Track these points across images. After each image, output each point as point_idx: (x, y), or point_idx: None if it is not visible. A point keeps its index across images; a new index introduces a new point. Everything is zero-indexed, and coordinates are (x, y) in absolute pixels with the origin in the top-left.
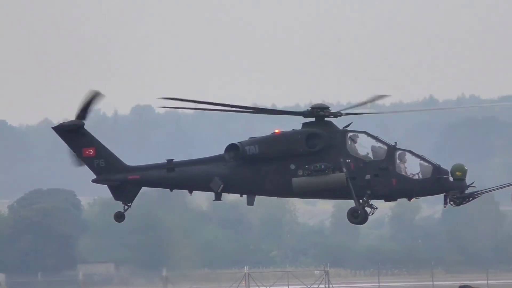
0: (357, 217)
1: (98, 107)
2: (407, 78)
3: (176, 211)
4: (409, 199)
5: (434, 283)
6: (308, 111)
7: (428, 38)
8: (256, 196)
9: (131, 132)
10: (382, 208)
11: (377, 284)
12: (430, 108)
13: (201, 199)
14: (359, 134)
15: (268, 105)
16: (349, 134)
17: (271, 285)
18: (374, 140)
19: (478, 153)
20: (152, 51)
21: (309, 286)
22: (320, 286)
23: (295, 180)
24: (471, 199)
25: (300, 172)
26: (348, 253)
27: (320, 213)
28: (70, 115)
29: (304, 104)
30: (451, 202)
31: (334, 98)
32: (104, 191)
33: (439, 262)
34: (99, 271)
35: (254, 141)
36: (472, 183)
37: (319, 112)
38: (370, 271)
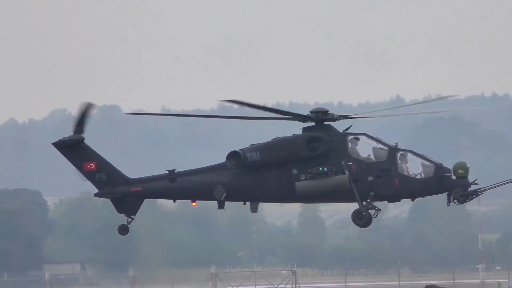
0: (362, 218)
1: (64, 106)
2: (374, 79)
3: (143, 211)
4: (413, 199)
5: (401, 282)
6: (307, 115)
7: (394, 39)
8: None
9: (97, 132)
10: (349, 208)
11: (344, 284)
12: (434, 112)
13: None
14: (360, 137)
15: (235, 105)
16: (350, 137)
17: (238, 285)
18: (375, 142)
19: (445, 153)
20: (120, 51)
21: (276, 286)
22: (287, 286)
23: (298, 184)
24: (474, 196)
25: (302, 176)
26: (315, 253)
27: (288, 213)
28: (36, 115)
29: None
30: (455, 201)
31: (301, 99)
32: (70, 191)
33: (406, 262)
34: (65, 271)
35: (255, 148)
36: (475, 181)
37: (318, 116)
38: (337, 271)
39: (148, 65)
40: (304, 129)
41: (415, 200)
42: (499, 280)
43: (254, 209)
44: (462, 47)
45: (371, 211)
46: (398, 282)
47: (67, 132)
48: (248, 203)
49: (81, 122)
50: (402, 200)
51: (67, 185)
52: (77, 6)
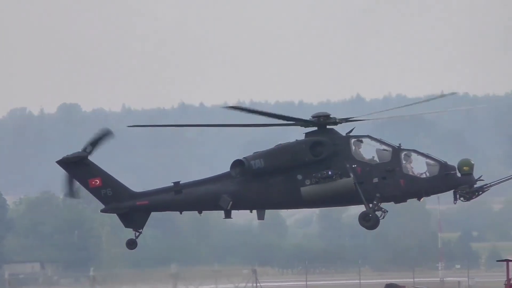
0: (369, 220)
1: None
2: (334, 78)
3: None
4: (419, 199)
5: (361, 281)
6: (309, 120)
7: (355, 38)
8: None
9: (57, 131)
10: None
11: (305, 283)
12: (436, 111)
13: None
14: (363, 139)
15: (196, 104)
16: (353, 140)
17: (199, 284)
18: (378, 143)
19: None
20: (79, 48)
21: (237, 284)
22: (248, 285)
23: (303, 189)
24: (480, 193)
25: (307, 181)
26: (276, 251)
27: (248, 212)
28: None
29: (232, 102)
30: (461, 198)
31: (262, 97)
32: (30, 190)
33: (366, 260)
34: (25, 270)
35: (259, 155)
36: (480, 177)
37: (320, 121)
38: (298, 269)
39: (108, 62)
40: (307, 134)
41: (421, 199)
42: (458, 278)
43: (261, 216)
44: (422, 46)
45: (378, 213)
46: (358, 281)
47: (27, 131)
48: (255, 211)
49: (94, 144)
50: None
51: (27, 184)
52: (33, 3)
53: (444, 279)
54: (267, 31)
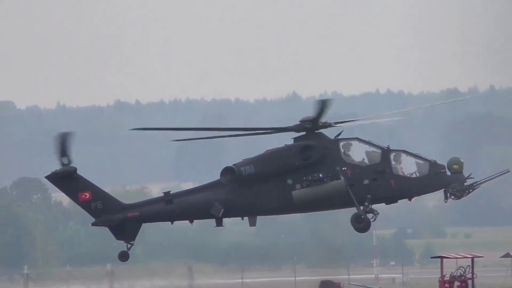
0: (361, 222)
1: None
2: (271, 75)
3: (37, 208)
4: (410, 199)
5: (296, 278)
6: (297, 125)
7: (291, 36)
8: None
9: None
10: None
11: (241, 280)
12: (438, 102)
13: (63, 195)
14: (352, 141)
15: (132, 102)
16: (342, 142)
17: (134, 282)
18: (367, 145)
19: None
20: (14, 44)
21: (172, 281)
22: (182, 282)
23: (295, 193)
24: (471, 190)
25: (298, 186)
26: (211, 249)
27: None
28: None
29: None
30: (452, 196)
31: (199, 95)
32: None
33: (301, 257)
34: None
35: (248, 162)
36: (470, 175)
37: (308, 125)
38: (233, 267)
39: (43, 60)
40: (295, 138)
41: (413, 200)
42: (393, 275)
43: (252, 223)
44: (357, 44)
45: (369, 215)
46: (293, 278)
47: None
48: (246, 218)
49: (64, 153)
50: None
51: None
52: None
53: (379, 276)
54: (201, 28)
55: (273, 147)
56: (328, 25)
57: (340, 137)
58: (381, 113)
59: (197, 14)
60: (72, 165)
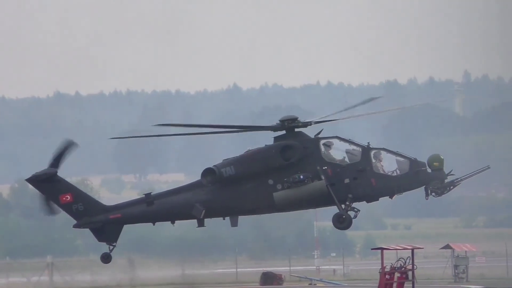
0: (343, 222)
1: None
2: (211, 67)
3: None
4: (391, 197)
5: (238, 269)
6: (277, 124)
7: (232, 27)
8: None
9: None
10: None
11: (181, 272)
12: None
13: (2, 188)
14: (332, 140)
15: (72, 93)
16: (322, 141)
17: (75, 274)
18: (347, 144)
19: None
20: None
21: (113, 274)
22: (123, 275)
23: (276, 195)
24: (452, 187)
25: (279, 186)
26: (151, 241)
27: (126, 200)
28: None
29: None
30: (433, 193)
31: (139, 86)
32: None
33: (242, 249)
34: None
35: (229, 163)
36: (451, 171)
37: (289, 124)
38: (174, 259)
39: None
40: (276, 138)
41: (394, 197)
42: (334, 266)
43: (234, 223)
44: (297, 36)
45: (351, 213)
46: (235, 270)
47: None
48: (227, 218)
49: (59, 157)
50: None
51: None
52: None
53: (320, 267)
54: (141, 19)
55: (254, 147)
56: (269, 17)
57: (320, 135)
58: (352, 109)
59: (138, 4)
60: (52, 168)
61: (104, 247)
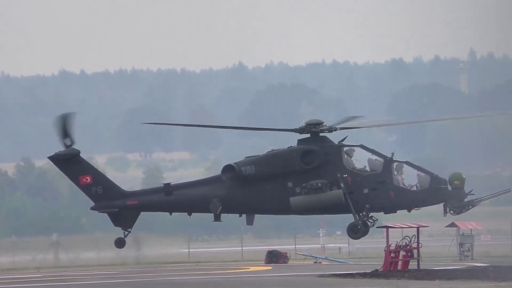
0: (357, 232)
1: None
2: (217, 46)
3: None
4: (409, 211)
5: (243, 248)
6: (302, 127)
7: (238, 6)
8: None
9: None
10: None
11: (187, 250)
12: (424, 121)
13: (7, 165)
14: (355, 148)
15: (77, 71)
16: (345, 149)
17: (81, 252)
18: (370, 153)
19: (286, 119)
20: None
21: (118, 252)
22: (128, 252)
23: (292, 200)
24: (470, 207)
25: (297, 189)
26: (158, 219)
27: (131, 179)
28: None
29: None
30: (451, 211)
31: (144, 65)
32: None
33: (248, 227)
34: None
35: (250, 161)
36: (471, 191)
37: (313, 128)
38: (181, 236)
39: None
40: (300, 141)
41: (411, 211)
42: (339, 245)
43: (250, 221)
44: (302, 14)
45: (368, 222)
46: (240, 248)
47: None
48: (244, 215)
49: (66, 134)
50: None
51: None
52: None
53: (325, 245)
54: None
55: (277, 148)
56: None
57: (344, 142)
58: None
59: None
60: (74, 147)
61: (118, 231)
